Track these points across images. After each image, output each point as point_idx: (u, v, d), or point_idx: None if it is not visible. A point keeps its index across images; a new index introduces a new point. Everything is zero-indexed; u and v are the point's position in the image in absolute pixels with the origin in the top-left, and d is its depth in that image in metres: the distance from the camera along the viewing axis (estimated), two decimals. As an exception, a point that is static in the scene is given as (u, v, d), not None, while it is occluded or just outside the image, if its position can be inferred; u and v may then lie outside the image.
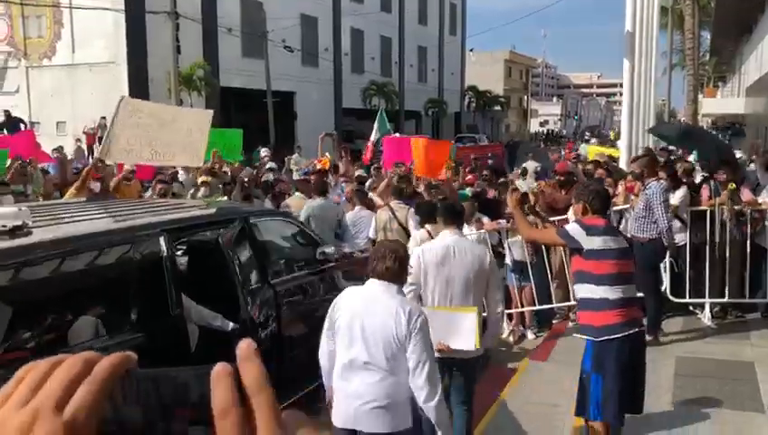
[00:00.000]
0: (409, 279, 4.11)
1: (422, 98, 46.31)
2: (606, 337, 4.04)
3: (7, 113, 20.12)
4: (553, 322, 8.04)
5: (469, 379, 4.38)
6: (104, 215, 4.62)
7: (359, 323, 3.37)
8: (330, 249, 5.98)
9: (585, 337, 4.21)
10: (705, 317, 7.48)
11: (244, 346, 0.54)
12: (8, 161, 9.59)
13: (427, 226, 6.27)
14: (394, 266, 3.45)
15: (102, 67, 24.13)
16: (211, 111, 9.07)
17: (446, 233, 4.48)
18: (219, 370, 0.52)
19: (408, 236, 6.80)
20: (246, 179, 9.87)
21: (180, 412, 0.52)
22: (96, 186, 7.94)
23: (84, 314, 3.70)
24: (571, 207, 5.04)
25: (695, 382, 5.82)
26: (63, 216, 4.47)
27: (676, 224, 7.45)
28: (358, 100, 38.73)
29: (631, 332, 4.06)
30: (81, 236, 3.83)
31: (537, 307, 7.66)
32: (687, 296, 7.47)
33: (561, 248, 7.42)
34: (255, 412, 0.51)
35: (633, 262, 4.35)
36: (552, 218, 6.41)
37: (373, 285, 3.48)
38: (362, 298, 3.47)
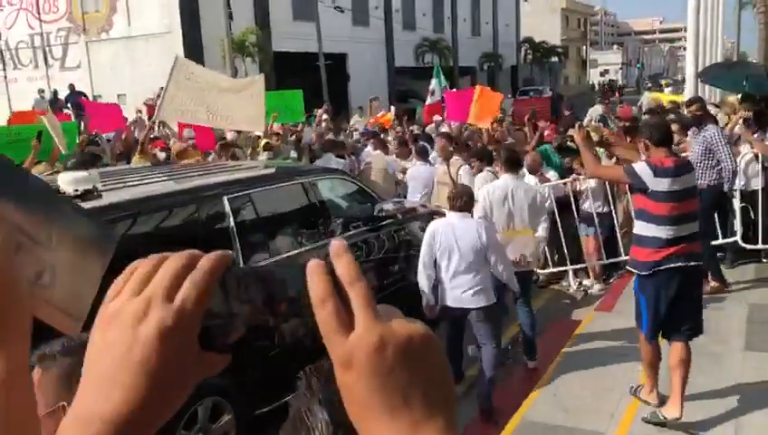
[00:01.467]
0: (479, 211, 5.47)
1: (476, 52, 45.33)
2: (649, 271, 4.19)
3: (71, 87, 20.72)
4: (619, 272, 7.87)
5: (526, 288, 5.63)
6: (168, 178, 4.74)
7: (455, 243, 4.77)
8: (389, 205, 6.02)
9: (634, 271, 4.39)
10: (780, 264, 7.21)
11: (337, 243, 0.56)
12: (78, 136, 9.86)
13: (486, 168, 7.00)
14: (469, 201, 4.95)
15: (158, 38, 24.54)
16: (263, 76, 9.11)
17: (506, 177, 5.70)
18: (314, 263, 0.54)
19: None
20: (313, 141, 10.02)
21: (280, 306, 0.55)
22: (161, 155, 8.14)
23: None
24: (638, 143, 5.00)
25: (765, 327, 5.64)
26: (131, 180, 4.60)
27: (755, 168, 7.16)
28: (411, 58, 38.26)
29: (680, 264, 4.14)
30: (148, 198, 3.95)
31: (605, 261, 7.51)
32: (760, 243, 7.20)
33: (629, 195, 7.25)
34: (352, 301, 0.53)
35: (697, 199, 4.37)
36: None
37: (455, 216, 4.89)
38: (451, 226, 4.85)
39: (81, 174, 3.91)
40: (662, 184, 4.08)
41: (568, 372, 5.28)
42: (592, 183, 7.19)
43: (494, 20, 48.20)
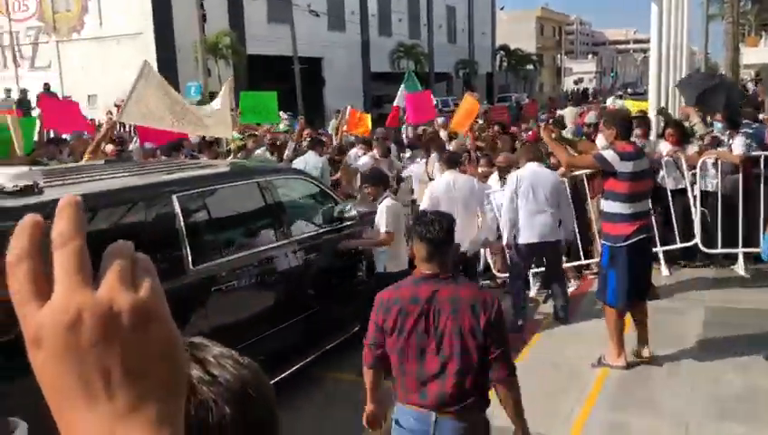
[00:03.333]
0: (427, 204, 6.10)
1: (452, 59, 45.59)
2: (620, 244, 4.85)
3: (47, 86, 20.34)
4: (585, 272, 7.88)
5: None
6: (120, 175, 4.64)
7: (533, 186, 6.09)
8: (348, 207, 5.97)
9: (604, 242, 5.05)
10: (739, 267, 7.28)
11: (65, 198, 0.47)
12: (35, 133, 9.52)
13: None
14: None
15: (130, 39, 24.28)
16: (231, 78, 9.10)
17: (447, 173, 6.52)
18: (24, 220, 0.46)
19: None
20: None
21: None
22: (110, 147, 8.00)
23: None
24: (601, 132, 5.89)
25: (723, 331, 5.68)
26: (79, 177, 4.50)
27: (712, 171, 7.32)
28: (386, 63, 38.32)
29: (639, 238, 4.85)
30: (93, 195, 3.85)
31: (574, 263, 7.54)
32: (720, 246, 7.28)
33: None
34: (56, 265, 0.45)
35: (651, 180, 5.26)
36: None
37: (533, 165, 6.24)
38: (531, 172, 6.19)
39: (22, 169, 3.81)
40: (627, 166, 4.77)
41: (527, 373, 5.26)
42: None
43: (470, 27, 48.52)
